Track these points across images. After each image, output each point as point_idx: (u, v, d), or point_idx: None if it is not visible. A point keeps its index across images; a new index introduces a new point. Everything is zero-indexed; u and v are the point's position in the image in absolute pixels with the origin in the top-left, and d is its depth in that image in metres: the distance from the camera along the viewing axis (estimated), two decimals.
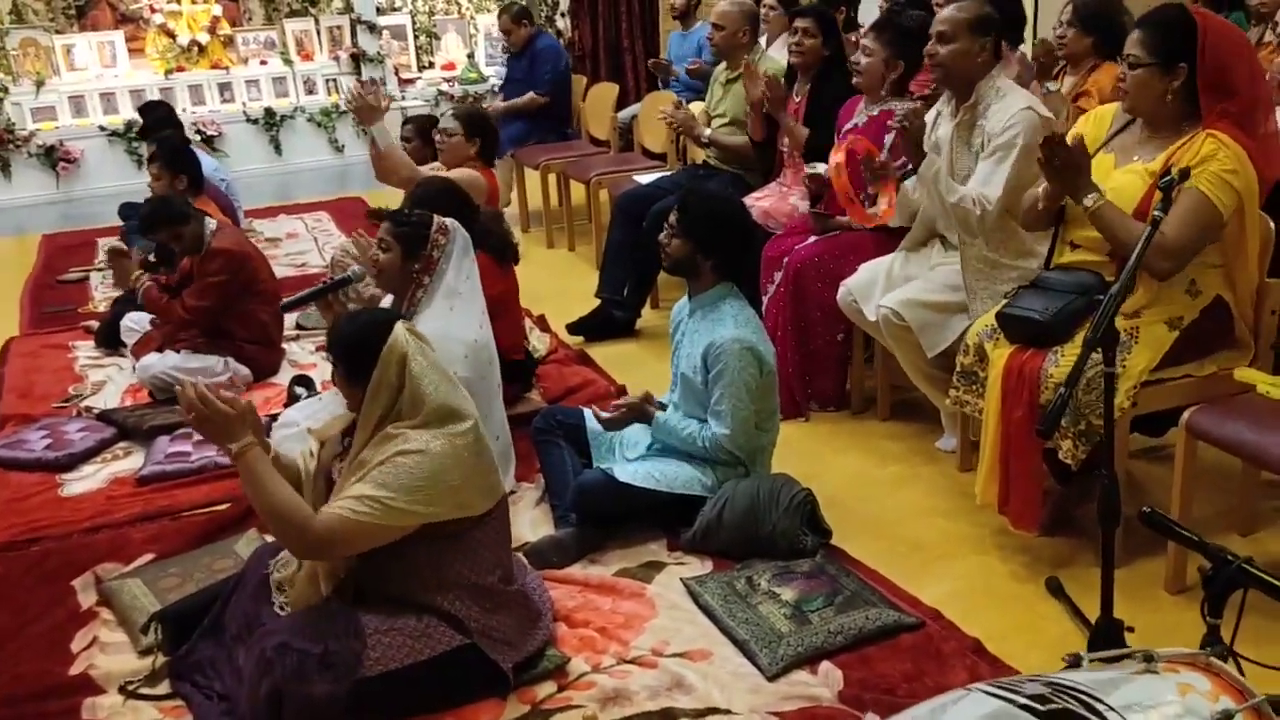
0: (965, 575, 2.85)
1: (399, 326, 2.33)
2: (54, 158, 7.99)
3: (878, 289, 3.52)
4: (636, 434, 3.19)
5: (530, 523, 3.15)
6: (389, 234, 3.13)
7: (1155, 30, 2.65)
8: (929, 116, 3.46)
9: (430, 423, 2.26)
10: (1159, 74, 2.65)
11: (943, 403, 3.37)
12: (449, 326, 3.13)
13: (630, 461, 3.11)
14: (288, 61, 8.84)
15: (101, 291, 5.62)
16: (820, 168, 3.84)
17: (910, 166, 3.29)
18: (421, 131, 4.76)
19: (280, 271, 5.76)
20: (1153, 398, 2.75)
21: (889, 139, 3.67)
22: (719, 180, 4.66)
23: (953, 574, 2.85)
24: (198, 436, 3.68)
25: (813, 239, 3.83)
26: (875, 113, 3.76)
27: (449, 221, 3.22)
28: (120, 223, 6.19)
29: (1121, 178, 2.73)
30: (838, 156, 3.37)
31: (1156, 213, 2.32)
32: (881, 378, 3.77)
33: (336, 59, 8.94)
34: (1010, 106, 3.17)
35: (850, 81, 3.86)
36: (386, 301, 3.40)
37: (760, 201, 4.32)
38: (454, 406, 2.30)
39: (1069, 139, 2.65)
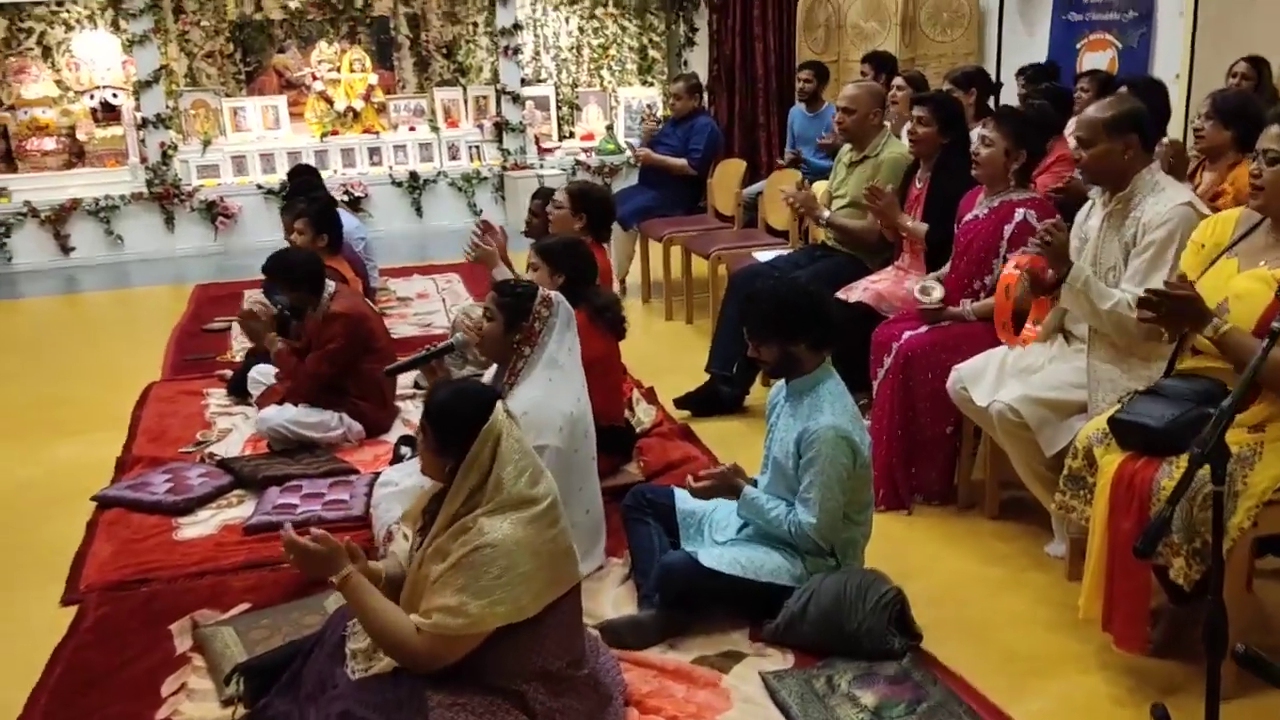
0: (1063, 694, 2.69)
1: (499, 406, 2.37)
2: (214, 212, 8.48)
3: (989, 377, 3.40)
4: (726, 516, 3.14)
5: (614, 600, 3.13)
6: (493, 304, 3.20)
7: None
8: (1083, 209, 3.34)
9: (504, 507, 2.28)
10: None
11: (1051, 506, 3.22)
12: (546, 396, 3.17)
13: (718, 545, 3.06)
14: (434, 128, 9.21)
15: (240, 342, 5.87)
16: (935, 293, 3.74)
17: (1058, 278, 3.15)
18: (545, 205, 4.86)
19: (405, 330, 6.00)
20: (1278, 518, 2.56)
21: (1008, 230, 3.59)
22: (835, 261, 4.62)
23: (1050, 691, 2.70)
24: (305, 490, 3.82)
25: (924, 328, 3.74)
26: (996, 204, 3.68)
27: (553, 294, 3.27)
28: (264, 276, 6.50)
29: (1245, 283, 2.60)
30: (1008, 276, 3.26)
31: (1277, 324, 2.18)
32: (991, 474, 3.63)
33: (480, 126, 9.27)
34: (1167, 200, 3.04)
35: (970, 170, 3.78)
36: (486, 373, 3.46)
37: (876, 284, 4.26)
38: (530, 495, 2.31)
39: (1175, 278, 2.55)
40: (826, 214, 4.70)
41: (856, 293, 4.24)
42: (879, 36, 7.84)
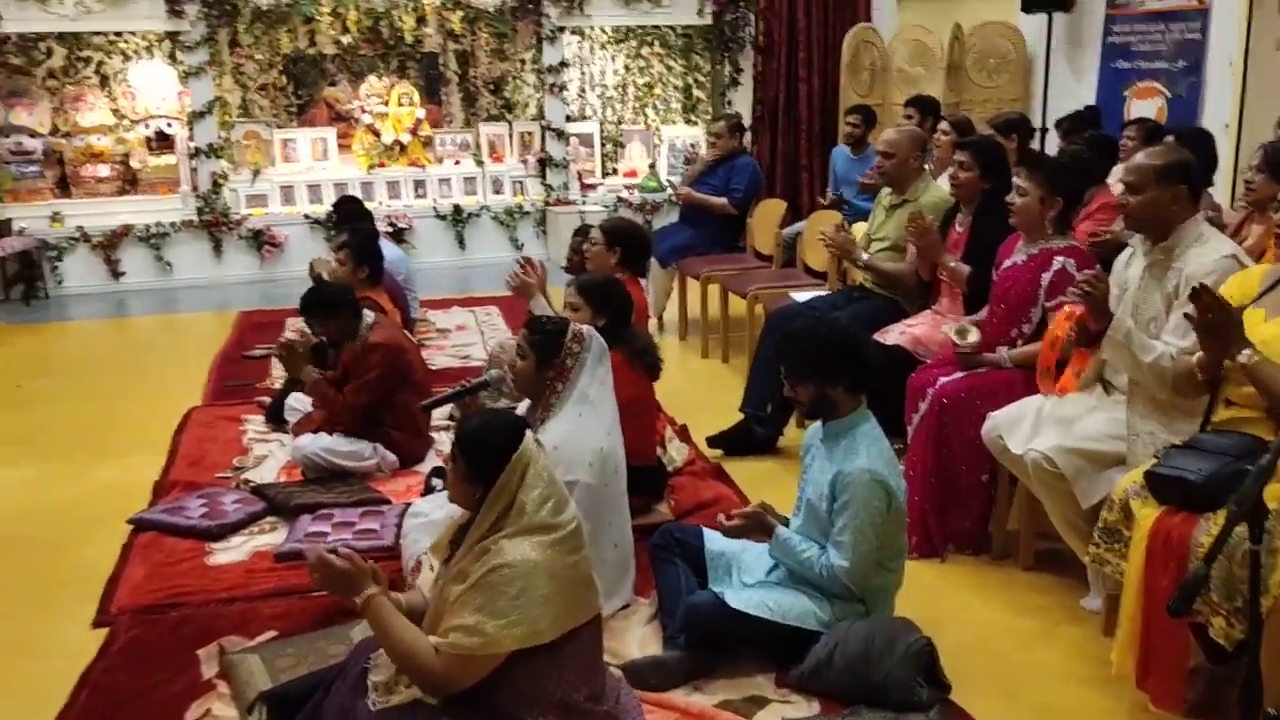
0: None
1: (529, 435, 2.38)
2: (260, 241, 8.62)
3: (1025, 425, 3.35)
4: (755, 559, 3.12)
5: (639, 640, 3.10)
6: (525, 341, 3.21)
7: None
8: (1122, 257, 3.31)
9: (525, 531, 2.28)
10: None
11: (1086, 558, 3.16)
12: (577, 432, 3.17)
13: (746, 587, 3.03)
14: (479, 162, 9.32)
15: (280, 369, 5.94)
16: (971, 336, 3.71)
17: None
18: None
19: (443, 361, 6.04)
20: None
21: (1046, 277, 3.56)
22: (873, 304, 4.60)
23: None
24: (337, 518, 3.84)
25: (960, 373, 3.71)
26: (1035, 250, 3.65)
27: (584, 329, 3.28)
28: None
29: (1272, 330, 2.59)
30: (1057, 330, 3.21)
31: None
32: (1026, 523, 3.57)
33: (525, 162, 9.36)
34: (1212, 252, 2.99)
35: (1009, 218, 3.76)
36: (522, 406, 3.47)
37: (913, 328, 4.24)
38: (553, 522, 2.31)
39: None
40: (865, 256, 4.68)
41: (893, 336, 4.21)
42: (924, 80, 7.84)
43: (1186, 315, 2.60)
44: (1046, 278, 3.55)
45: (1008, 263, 3.74)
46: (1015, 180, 3.65)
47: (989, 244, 3.97)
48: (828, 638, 2.84)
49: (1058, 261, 3.55)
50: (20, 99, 8.45)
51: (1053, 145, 6.65)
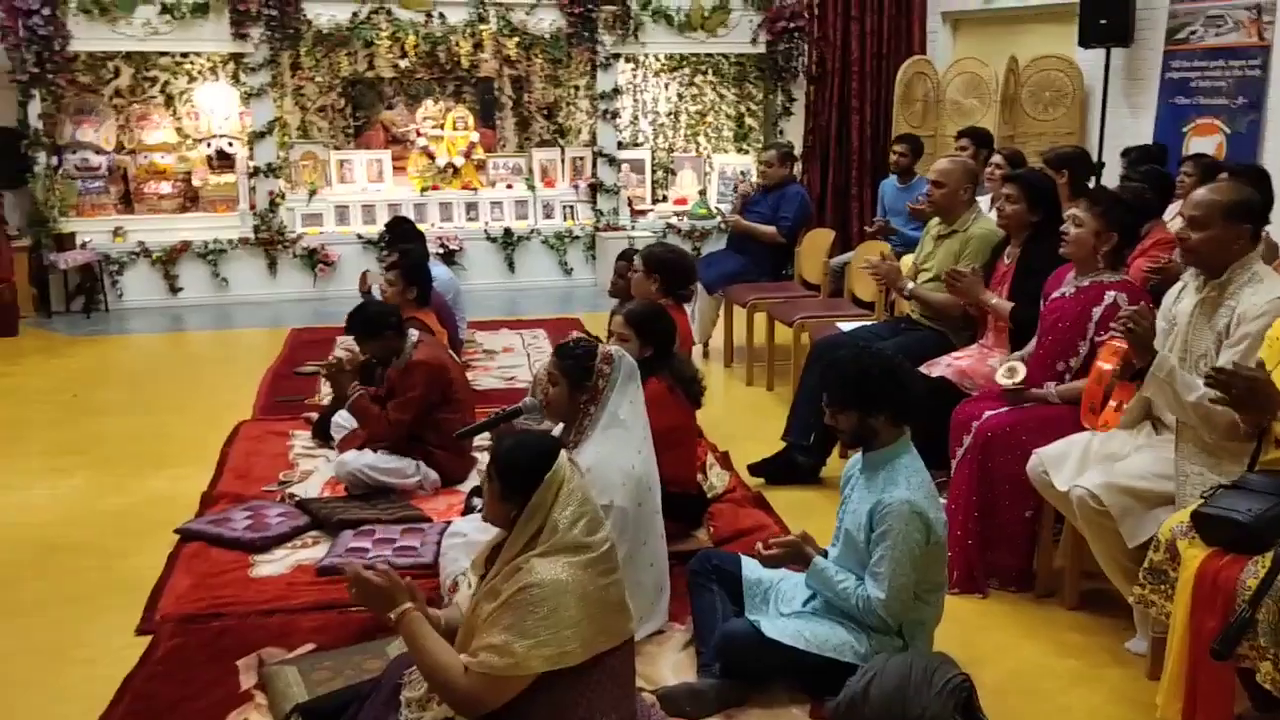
0: None
1: (563, 455, 2.40)
2: (314, 259, 8.76)
3: (1071, 462, 3.31)
4: (793, 588, 3.09)
5: (673, 666, 3.09)
6: (555, 368, 3.23)
7: None
8: (1172, 291, 3.27)
9: (557, 550, 2.30)
10: None
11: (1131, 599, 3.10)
12: (609, 454, 3.18)
13: (783, 616, 3.01)
14: (531, 186, 9.41)
15: (328, 386, 6.02)
16: (1019, 374, 3.67)
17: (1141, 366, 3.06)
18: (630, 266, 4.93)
19: (489, 383, 6.08)
20: None
21: (1097, 311, 3.52)
22: (919, 335, 4.56)
23: None
24: (378, 535, 3.87)
25: (1006, 408, 3.66)
26: (1085, 284, 3.61)
27: (613, 350, 3.30)
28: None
29: None
30: (1106, 365, 3.17)
31: None
32: (1071, 562, 3.51)
33: (576, 187, 9.44)
34: (1266, 292, 2.94)
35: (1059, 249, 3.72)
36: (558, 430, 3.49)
37: (959, 361, 4.20)
38: (585, 541, 2.32)
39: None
40: (910, 285, 4.66)
41: (939, 368, 4.17)
42: (978, 113, 7.79)
43: (1212, 401, 2.56)
44: (1098, 311, 3.50)
45: (1056, 294, 3.70)
46: (1074, 211, 3.60)
47: (1036, 277, 3.93)
48: (864, 671, 2.80)
49: (1109, 296, 3.51)
50: (87, 116, 8.68)
51: (1109, 178, 6.58)
